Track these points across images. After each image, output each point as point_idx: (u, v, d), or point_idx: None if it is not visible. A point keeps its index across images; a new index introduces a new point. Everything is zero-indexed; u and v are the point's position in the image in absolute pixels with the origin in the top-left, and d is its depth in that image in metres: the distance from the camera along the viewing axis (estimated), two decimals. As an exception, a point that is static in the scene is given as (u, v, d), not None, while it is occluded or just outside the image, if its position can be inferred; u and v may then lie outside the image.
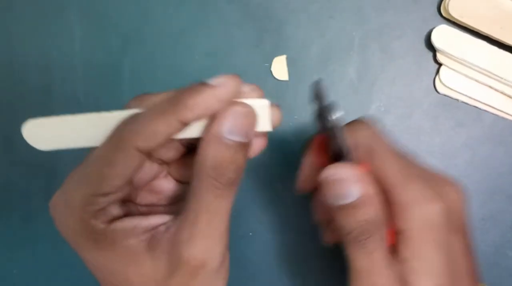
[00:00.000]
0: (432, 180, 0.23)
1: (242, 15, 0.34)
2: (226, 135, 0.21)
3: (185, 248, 0.21)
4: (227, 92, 0.21)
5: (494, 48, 0.32)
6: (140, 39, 0.34)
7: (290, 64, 0.33)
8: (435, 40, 0.32)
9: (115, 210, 0.23)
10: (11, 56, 0.35)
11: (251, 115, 0.21)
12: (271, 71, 0.33)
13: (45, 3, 0.35)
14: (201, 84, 0.21)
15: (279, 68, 0.33)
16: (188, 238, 0.21)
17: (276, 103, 0.23)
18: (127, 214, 0.23)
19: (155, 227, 0.22)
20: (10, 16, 0.35)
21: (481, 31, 0.31)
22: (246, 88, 0.23)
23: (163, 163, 0.25)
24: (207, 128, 0.21)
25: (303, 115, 0.33)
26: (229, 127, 0.21)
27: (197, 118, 0.21)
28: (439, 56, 0.32)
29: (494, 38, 0.31)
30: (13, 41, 0.35)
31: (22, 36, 0.35)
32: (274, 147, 0.33)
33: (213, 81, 0.21)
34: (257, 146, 0.23)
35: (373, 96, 0.33)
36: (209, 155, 0.21)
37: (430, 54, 0.33)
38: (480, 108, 0.33)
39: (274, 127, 0.23)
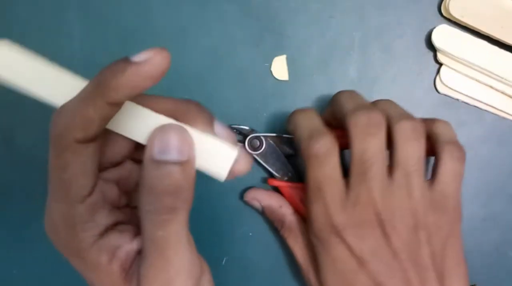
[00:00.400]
0: None
1: (242, 14, 0.34)
2: (157, 157, 0.19)
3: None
4: (152, 69, 0.19)
5: (495, 48, 0.31)
6: (139, 38, 0.34)
7: (290, 64, 0.33)
8: (436, 39, 0.32)
9: (103, 219, 0.21)
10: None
11: (181, 131, 0.20)
12: (271, 71, 0.33)
13: (44, 2, 0.34)
14: (124, 61, 0.19)
15: (279, 68, 0.33)
16: (145, 275, 0.20)
17: (245, 153, 0.22)
18: (118, 222, 0.22)
19: (132, 254, 0.21)
20: (9, 15, 0.35)
21: (482, 31, 0.31)
22: (218, 129, 0.22)
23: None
24: (144, 155, 0.20)
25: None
26: (159, 147, 0.19)
27: (125, 98, 0.19)
28: (440, 56, 0.32)
29: (495, 38, 0.31)
30: (12, 40, 0.35)
31: (20, 35, 0.35)
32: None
33: (137, 57, 0.19)
34: (238, 169, 0.22)
35: (373, 96, 0.33)
36: (145, 180, 0.19)
37: (431, 54, 0.33)
38: (480, 108, 0.33)
39: (235, 176, 0.22)
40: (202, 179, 0.34)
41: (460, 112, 0.33)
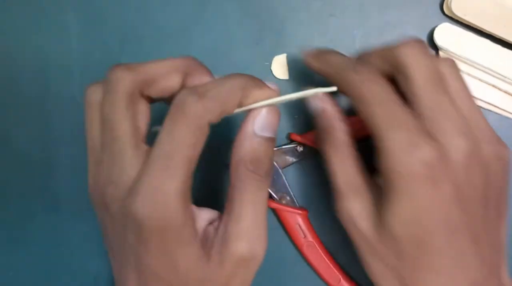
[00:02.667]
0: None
1: (242, 13, 0.34)
2: (258, 133, 0.24)
3: (234, 244, 0.23)
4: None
5: (498, 47, 0.31)
6: (138, 37, 0.34)
7: (290, 63, 0.33)
8: (438, 38, 0.31)
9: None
10: (7, 55, 0.35)
11: (277, 113, 0.25)
12: (271, 70, 0.33)
13: (42, 1, 0.34)
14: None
15: (279, 67, 0.33)
16: (237, 232, 0.23)
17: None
18: None
19: (207, 223, 0.25)
20: (6, 15, 0.35)
21: (485, 30, 0.31)
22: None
23: None
24: (241, 127, 0.24)
25: (304, 115, 0.33)
26: (260, 125, 0.24)
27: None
28: (442, 55, 0.32)
29: (497, 37, 0.31)
30: (9, 40, 0.35)
31: (18, 35, 0.35)
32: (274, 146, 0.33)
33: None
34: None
35: (375, 95, 0.33)
36: (246, 150, 0.24)
37: (433, 52, 0.33)
38: (483, 108, 0.33)
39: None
40: (202, 179, 0.34)
41: (463, 112, 0.33)
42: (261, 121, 0.24)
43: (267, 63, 0.33)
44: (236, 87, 0.24)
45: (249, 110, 0.25)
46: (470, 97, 0.25)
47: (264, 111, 0.25)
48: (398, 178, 0.23)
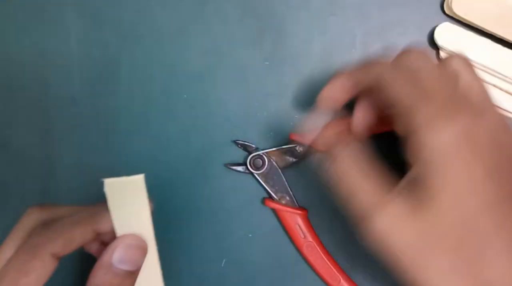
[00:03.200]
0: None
1: (242, 12, 0.33)
2: (116, 265, 0.23)
3: None
4: None
5: (499, 46, 0.31)
6: (137, 36, 0.34)
7: (290, 62, 0.33)
8: (438, 37, 0.31)
9: None
10: (6, 55, 0.35)
11: (140, 247, 0.24)
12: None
13: (41, 1, 0.34)
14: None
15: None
16: None
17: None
18: None
19: None
20: (6, 13, 0.34)
21: (485, 29, 0.31)
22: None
23: None
24: (103, 254, 0.24)
25: (304, 114, 0.33)
26: (119, 257, 0.23)
27: (110, 229, 0.24)
28: (443, 54, 0.32)
29: (498, 36, 0.31)
30: (9, 39, 0.35)
31: (17, 34, 0.35)
32: (274, 146, 0.33)
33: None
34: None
35: (375, 95, 0.33)
36: (100, 281, 0.23)
37: (433, 52, 0.33)
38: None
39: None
40: (202, 180, 0.34)
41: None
42: (121, 253, 0.24)
43: (267, 63, 0.33)
44: (83, 216, 0.24)
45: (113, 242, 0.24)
46: (484, 90, 0.24)
47: (127, 242, 0.24)
48: (436, 154, 0.21)
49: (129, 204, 0.24)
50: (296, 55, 0.33)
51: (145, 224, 0.25)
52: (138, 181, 0.24)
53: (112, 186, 0.24)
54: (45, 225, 0.24)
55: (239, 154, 0.33)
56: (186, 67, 0.34)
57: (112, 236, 0.24)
